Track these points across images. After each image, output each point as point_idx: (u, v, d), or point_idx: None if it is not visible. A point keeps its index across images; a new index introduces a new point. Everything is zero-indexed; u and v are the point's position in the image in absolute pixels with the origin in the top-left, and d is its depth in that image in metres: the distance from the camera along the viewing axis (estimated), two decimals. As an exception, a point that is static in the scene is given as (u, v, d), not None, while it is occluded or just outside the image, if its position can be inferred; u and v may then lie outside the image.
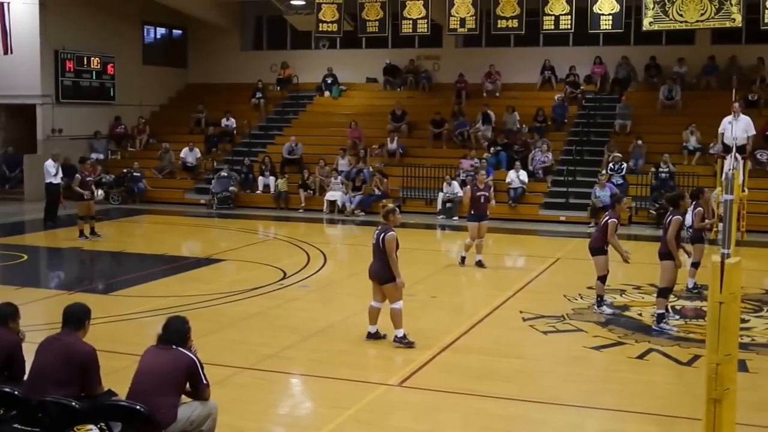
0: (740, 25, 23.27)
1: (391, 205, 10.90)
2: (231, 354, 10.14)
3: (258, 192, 26.30)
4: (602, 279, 12.40)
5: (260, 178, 26.37)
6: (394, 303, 10.39)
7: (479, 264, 16.02)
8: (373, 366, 9.96)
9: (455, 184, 23.76)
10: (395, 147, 26.57)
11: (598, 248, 12.40)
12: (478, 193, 16.11)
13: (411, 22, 27.27)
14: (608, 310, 12.35)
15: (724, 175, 8.04)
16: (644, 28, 24.09)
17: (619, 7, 23.43)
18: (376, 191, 24.63)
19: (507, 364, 10.08)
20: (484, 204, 16.10)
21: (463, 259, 16.11)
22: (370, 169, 25.36)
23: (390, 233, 10.32)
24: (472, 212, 16.13)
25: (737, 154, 16.06)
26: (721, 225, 9.45)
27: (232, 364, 9.69)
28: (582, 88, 28.07)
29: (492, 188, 17.81)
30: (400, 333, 10.39)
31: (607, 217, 12.40)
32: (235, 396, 8.56)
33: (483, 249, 16.18)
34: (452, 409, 8.55)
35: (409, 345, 10.32)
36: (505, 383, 9.33)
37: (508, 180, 23.88)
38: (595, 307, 12.46)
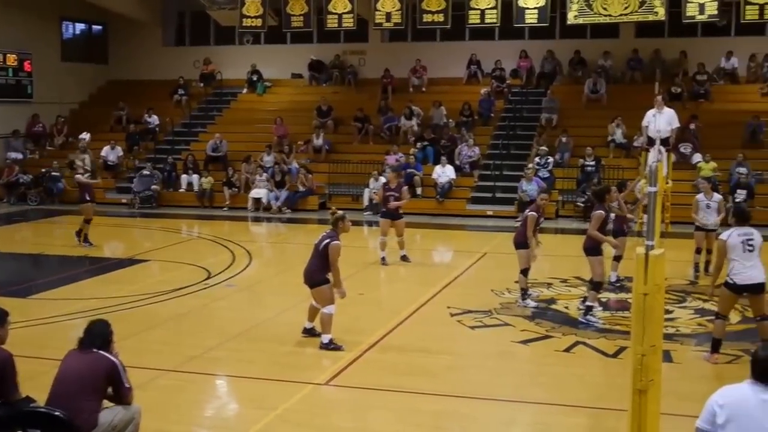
0: (663, 18, 23.64)
1: (341, 212, 10.65)
2: (155, 356, 9.88)
3: (181, 190, 25.82)
4: (524, 272, 12.46)
5: (184, 176, 25.90)
6: (325, 307, 10.19)
7: (404, 258, 16.00)
8: (301, 365, 9.75)
9: (382, 179, 23.62)
10: (321, 143, 26.33)
11: (520, 242, 12.48)
12: (387, 193, 16.11)
13: (336, 16, 27.05)
14: (532, 304, 12.38)
15: (648, 168, 8.06)
16: (569, 22, 24.31)
17: (544, 1, 23.58)
18: (302, 188, 24.37)
19: (435, 360, 9.98)
20: (394, 203, 16.03)
21: (383, 259, 15.99)
22: (296, 165, 25.08)
23: (336, 242, 10.12)
24: (384, 210, 16.22)
25: (661, 147, 16.24)
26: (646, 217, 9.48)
27: (155, 367, 9.44)
28: (508, 82, 28.20)
29: (405, 187, 17.69)
30: (326, 339, 10.18)
31: (528, 211, 12.50)
32: (159, 399, 8.34)
33: (405, 245, 16.13)
34: (381, 406, 8.42)
35: (337, 349, 10.12)
36: (434, 379, 9.23)
37: (434, 175, 23.84)
38: (520, 300, 12.48)
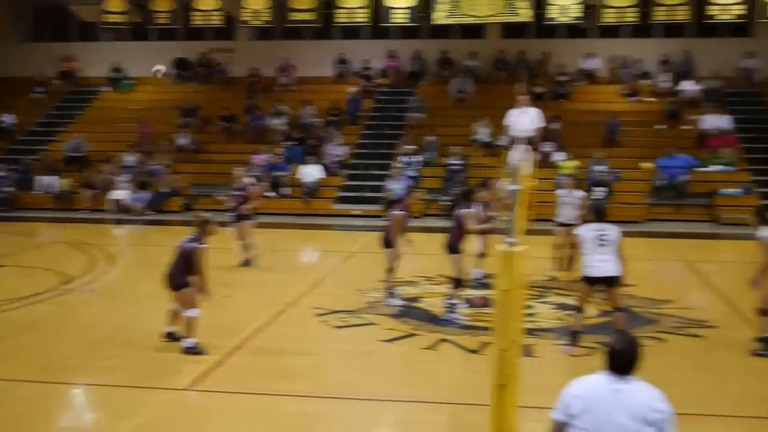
0: (528, 20, 24.23)
1: (207, 215, 10.33)
2: (9, 366, 9.42)
3: (38, 192, 24.76)
4: (390, 271, 12.48)
5: (41, 177, 24.84)
6: (188, 311, 9.90)
7: (246, 263, 15.62)
8: (162, 370, 9.43)
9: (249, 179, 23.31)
10: (186, 142, 25.77)
11: (387, 241, 12.52)
12: (235, 194, 15.93)
13: (203, 13, 26.64)
14: (397, 302, 12.38)
15: (510, 166, 8.21)
16: (437, 22, 24.62)
17: (412, 1, 23.79)
18: (166, 189, 23.76)
19: (300, 361, 9.84)
20: (241, 205, 15.79)
21: (246, 261, 15.73)
22: (160, 165, 24.44)
23: (201, 245, 9.82)
24: (236, 213, 16.01)
25: (525, 146, 16.57)
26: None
27: (10, 377, 9.01)
28: (376, 81, 28.28)
29: (253, 187, 17.22)
30: (189, 343, 9.88)
31: (396, 210, 12.55)
32: (13, 411, 7.98)
33: (253, 248, 15.77)
34: (246, 410, 8.22)
35: (199, 353, 9.85)
36: (300, 381, 9.10)
37: (301, 175, 23.67)
38: (385, 299, 12.51)
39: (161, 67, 24.60)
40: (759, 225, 10.26)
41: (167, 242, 15.82)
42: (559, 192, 15.30)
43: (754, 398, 8.79)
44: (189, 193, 24.05)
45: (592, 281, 9.93)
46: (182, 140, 25.80)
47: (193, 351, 9.86)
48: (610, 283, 9.90)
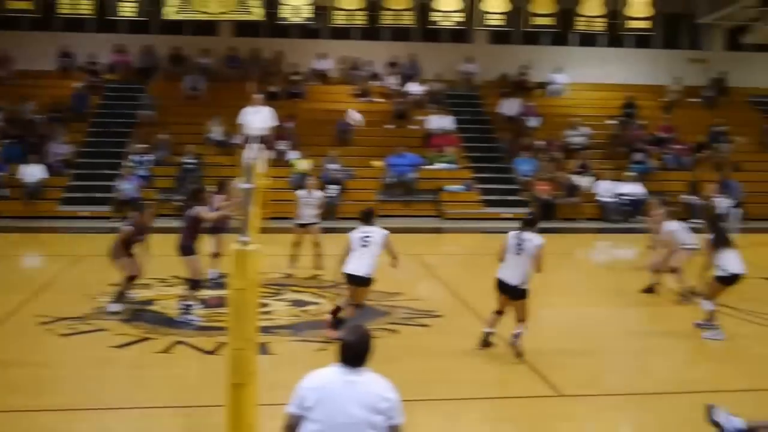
0: (261, 18, 24.26)
1: None
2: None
3: None
4: (130, 279, 11.90)
5: None
6: None
7: None
8: None
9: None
10: None
11: (117, 251, 11.91)
12: None
13: None
14: (116, 307, 11.66)
15: (244, 165, 8.20)
16: (167, 17, 24.06)
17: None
18: None
19: (21, 373, 9.21)
20: None
21: None
22: None
23: None
24: None
25: (258, 144, 16.60)
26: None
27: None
28: (104, 77, 27.15)
29: None
30: None
31: (125, 223, 11.85)
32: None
33: None
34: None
35: None
36: (19, 394, 8.51)
37: (22, 174, 22.25)
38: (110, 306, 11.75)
39: None
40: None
41: None
42: (299, 193, 15.47)
43: (482, 382, 9.32)
44: None
45: (347, 278, 10.54)
46: None
47: None
48: (360, 282, 10.53)
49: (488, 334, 10.18)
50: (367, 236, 10.55)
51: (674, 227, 13.27)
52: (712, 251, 11.09)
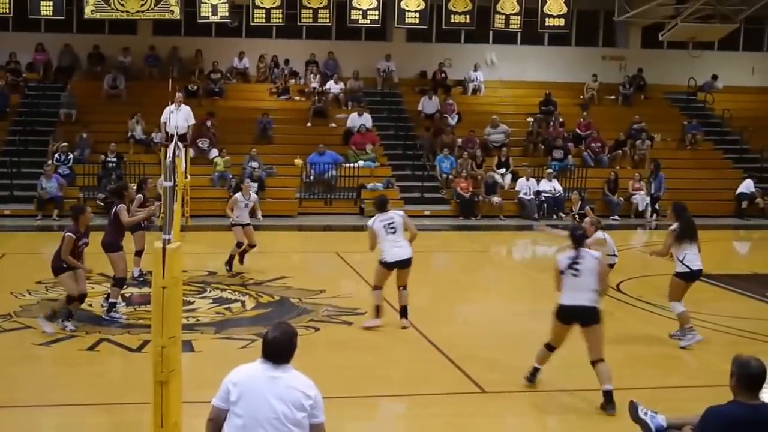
0: (179, 17, 24.29)
1: None
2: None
3: None
4: (69, 300, 10.87)
5: None
6: None
7: None
8: None
9: None
10: None
11: (57, 266, 10.83)
12: None
13: None
14: (49, 329, 10.72)
15: (166, 163, 8.33)
16: (86, 16, 23.94)
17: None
18: None
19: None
20: None
21: None
22: None
23: None
24: None
25: (179, 143, 16.78)
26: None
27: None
28: (24, 75, 26.88)
29: None
30: None
31: (65, 231, 10.88)
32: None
33: None
34: None
35: None
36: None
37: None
38: (41, 318, 10.94)
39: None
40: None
41: None
42: (236, 194, 15.55)
43: (408, 378, 9.62)
44: None
45: (389, 265, 11.17)
46: None
47: None
48: (408, 264, 11.24)
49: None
50: (391, 222, 11.19)
51: (601, 235, 12.06)
52: (676, 244, 10.64)
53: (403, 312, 11.50)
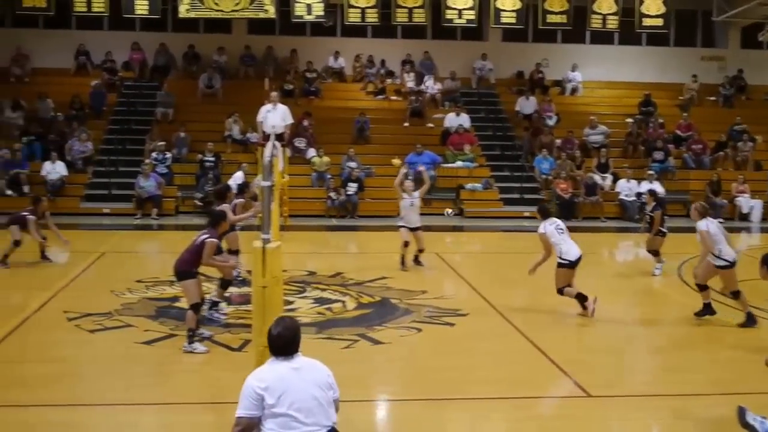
0: (274, 16, 24.27)
1: None
2: None
3: None
4: (195, 307, 10.07)
5: None
6: None
7: None
8: None
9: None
10: None
11: (184, 272, 10.09)
12: None
13: None
14: (201, 348, 9.93)
15: (264, 163, 8.10)
16: (180, 15, 24.10)
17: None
18: None
19: (50, 368, 9.24)
20: None
21: None
22: None
23: None
24: None
25: (276, 142, 16.60)
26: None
27: None
28: (120, 74, 27.22)
29: None
30: None
31: (204, 236, 10.18)
32: None
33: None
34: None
35: None
36: (51, 389, 8.55)
37: (44, 172, 22.39)
38: (186, 344, 9.95)
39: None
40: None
41: None
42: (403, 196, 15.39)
43: (510, 381, 9.20)
44: None
45: (574, 264, 11.66)
46: None
47: None
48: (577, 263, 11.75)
49: None
50: (558, 225, 11.91)
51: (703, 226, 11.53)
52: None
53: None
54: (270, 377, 5.23)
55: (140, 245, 19.90)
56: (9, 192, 22.06)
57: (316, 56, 28.22)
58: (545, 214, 12.11)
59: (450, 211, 20.32)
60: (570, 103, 28.61)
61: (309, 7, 25.37)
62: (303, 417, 5.14)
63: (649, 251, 15.38)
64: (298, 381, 5.20)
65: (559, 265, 11.71)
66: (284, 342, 5.29)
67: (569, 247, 11.70)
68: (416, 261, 15.36)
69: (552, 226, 11.79)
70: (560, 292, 11.76)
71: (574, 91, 29.17)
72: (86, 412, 8.07)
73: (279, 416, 5.13)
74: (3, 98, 24.96)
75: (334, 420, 5.29)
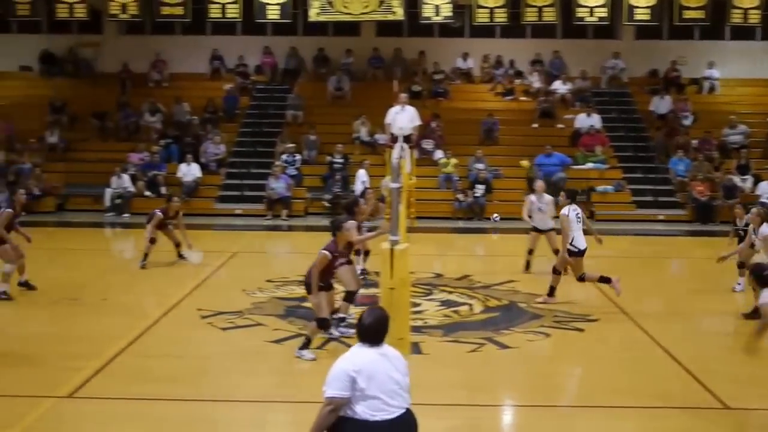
0: (402, 18, 24.36)
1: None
2: None
3: None
4: (320, 322, 9.94)
5: None
6: None
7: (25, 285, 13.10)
8: (37, 377, 8.95)
9: (126, 177, 22.68)
10: (56, 140, 24.76)
11: (309, 284, 9.96)
12: None
13: (67, 6, 25.62)
14: (309, 356, 9.83)
15: (391, 165, 8.06)
16: (311, 19, 24.49)
17: (285, -3, 23.65)
18: (36, 189, 22.73)
19: (185, 364, 9.55)
20: None
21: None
22: (29, 164, 23.34)
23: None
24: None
25: (404, 144, 16.60)
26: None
27: None
28: (252, 78, 27.86)
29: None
30: None
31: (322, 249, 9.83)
32: None
33: (25, 269, 13.08)
34: (130, 417, 7.91)
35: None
36: (185, 385, 8.84)
37: (180, 173, 23.14)
38: (298, 348, 9.90)
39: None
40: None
41: (42, 245, 15.13)
42: (530, 198, 14.96)
43: (641, 391, 8.90)
44: (62, 192, 23.13)
45: (583, 252, 12.03)
46: (51, 138, 24.75)
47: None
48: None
49: None
50: (578, 213, 12.28)
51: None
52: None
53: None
54: (361, 362, 5.48)
55: (270, 245, 20.30)
56: (147, 193, 22.88)
57: (444, 57, 28.13)
58: (573, 198, 12.41)
59: (497, 216, 20.08)
60: (707, 102, 27.53)
61: (437, 8, 25.39)
62: (389, 399, 5.43)
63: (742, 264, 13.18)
64: (385, 366, 5.49)
65: (570, 253, 12.01)
66: (375, 330, 5.58)
67: (579, 237, 11.99)
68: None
69: (574, 213, 12.04)
70: (581, 279, 12.13)
71: (711, 89, 28.08)
72: (223, 407, 8.25)
73: (369, 398, 5.39)
74: (142, 103, 25.93)
75: (409, 402, 5.60)
